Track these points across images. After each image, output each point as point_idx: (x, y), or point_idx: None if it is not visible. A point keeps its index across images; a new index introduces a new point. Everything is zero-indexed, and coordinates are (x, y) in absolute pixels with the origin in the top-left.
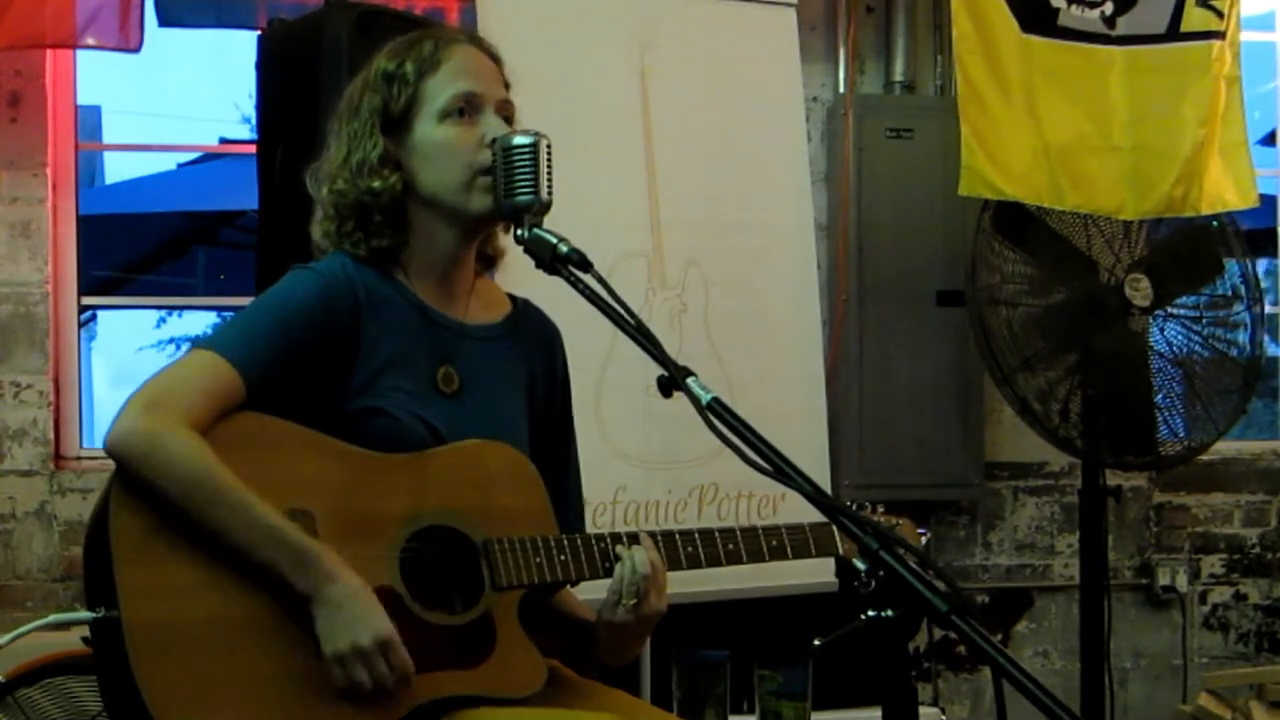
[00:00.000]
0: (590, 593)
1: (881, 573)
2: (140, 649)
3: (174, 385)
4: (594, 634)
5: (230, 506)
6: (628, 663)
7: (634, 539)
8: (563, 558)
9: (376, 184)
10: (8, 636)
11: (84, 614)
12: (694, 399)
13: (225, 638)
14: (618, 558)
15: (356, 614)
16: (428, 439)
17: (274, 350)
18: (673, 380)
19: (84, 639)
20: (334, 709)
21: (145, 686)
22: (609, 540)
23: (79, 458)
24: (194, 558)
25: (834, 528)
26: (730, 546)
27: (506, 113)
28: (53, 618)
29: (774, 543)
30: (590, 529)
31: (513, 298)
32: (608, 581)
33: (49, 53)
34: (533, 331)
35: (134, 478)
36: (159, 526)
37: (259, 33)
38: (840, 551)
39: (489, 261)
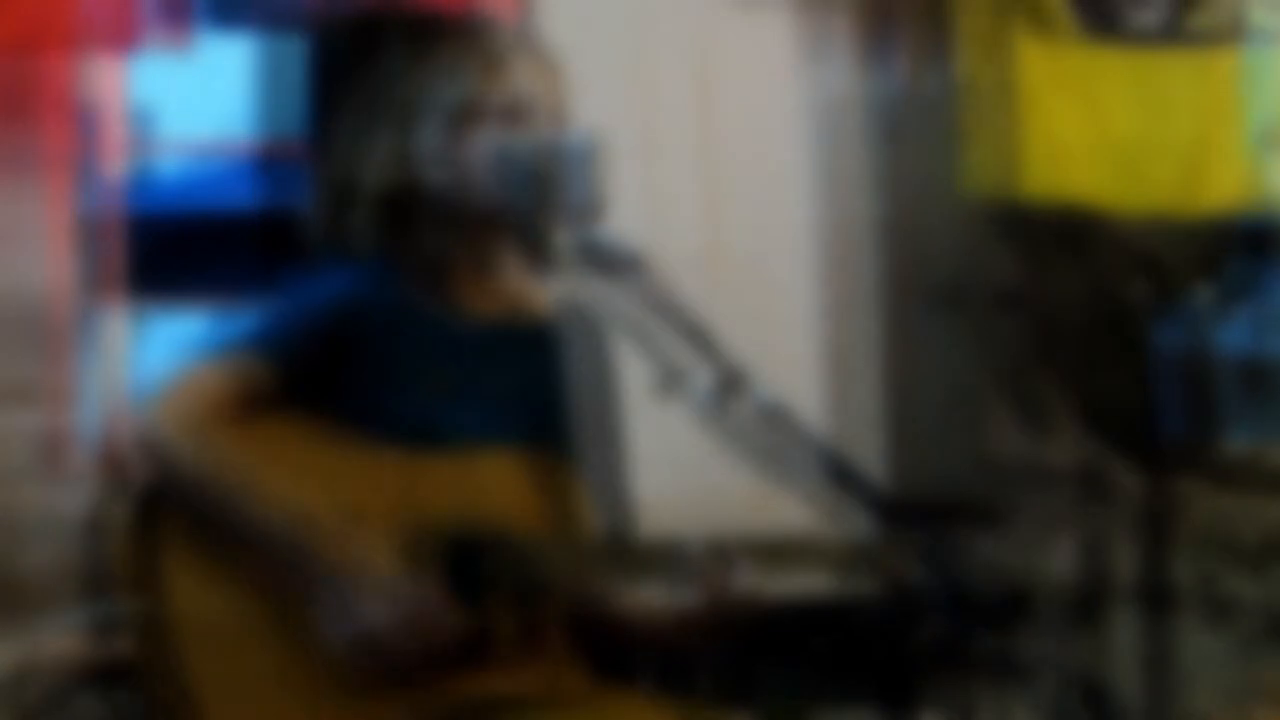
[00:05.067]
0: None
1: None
2: (185, 643)
3: (200, 383)
4: (639, 629)
5: (240, 500)
6: (683, 656)
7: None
8: (586, 560)
9: (407, 177)
10: (49, 631)
11: (125, 608)
12: (732, 402)
13: (267, 632)
14: (678, 560)
15: (385, 588)
16: (436, 446)
17: (292, 343)
18: (712, 382)
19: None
20: (370, 701)
21: (191, 681)
22: (630, 544)
23: (89, 460)
24: (235, 549)
25: (851, 540)
26: (748, 555)
27: (555, 120)
28: (91, 610)
29: (792, 552)
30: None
31: (537, 297)
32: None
33: (100, 53)
34: (555, 331)
35: (154, 476)
36: (199, 518)
37: (310, 34)
38: (857, 562)
39: (517, 263)
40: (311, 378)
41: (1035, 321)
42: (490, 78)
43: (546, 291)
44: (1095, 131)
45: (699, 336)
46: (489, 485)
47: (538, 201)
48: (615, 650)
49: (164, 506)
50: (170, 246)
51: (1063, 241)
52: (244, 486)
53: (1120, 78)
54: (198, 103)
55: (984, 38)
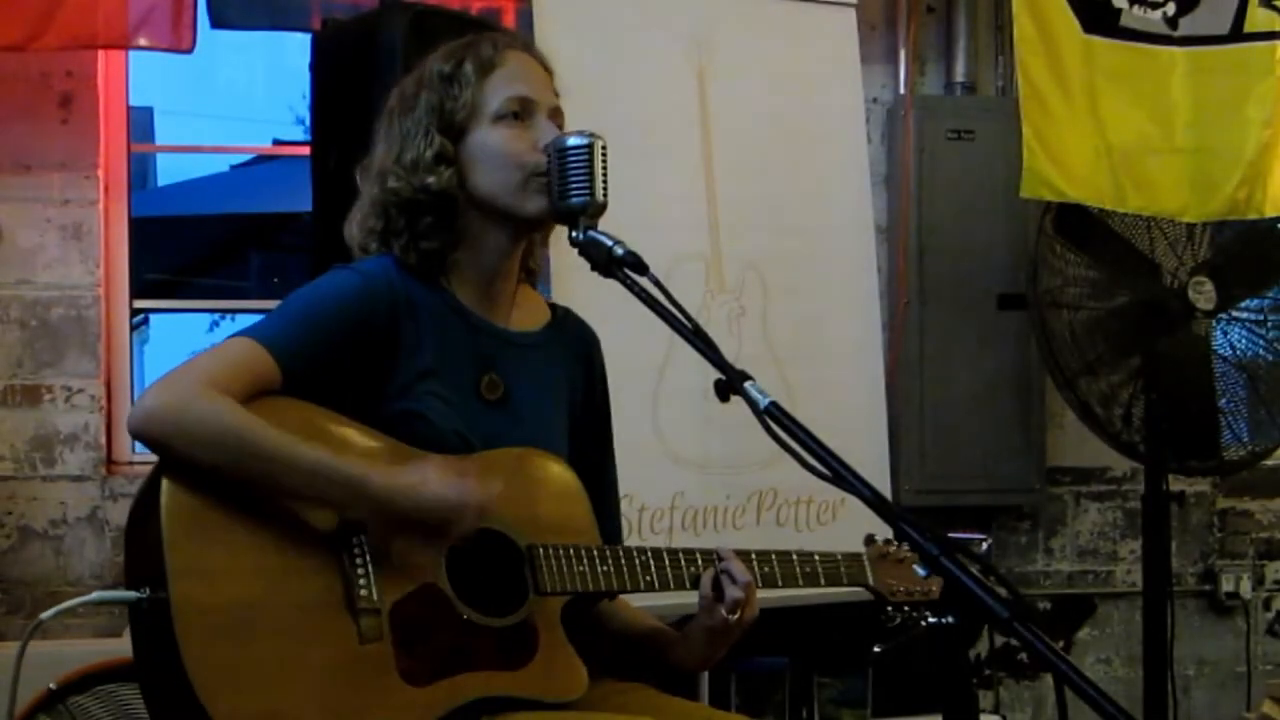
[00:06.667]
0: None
1: (906, 610)
2: (189, 629)
3: (201, 364)
4: (665, 640)
5: (269, 452)
6: (711, 667)
7: (680, 552)
8: (605, 568)
9: (431, 180)
10: (49, 613)
11: (130, 594)
12: (751, 403)
13: (275, 621)
14: (694, 571)
15: (432, 507)
16: (460, 449)
17: (308, 340)
18: (730, 384)
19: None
20: (382, 695)
21: (193, 667)
22: (650, 554)
23: (131, 463)
24: (244, 540)
25: (864, 559)
26: (765, 570)
27: (558, 121)
28: (96, 595)
29: (807, 569)
30: (648, 535)
31: (553, 306)
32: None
33: (101, 53)
34: (572, 339)
35: (167, 455)
36: (208, 507)
37: (313, 33)
38: (870, 583)
39: (530, 274)
40: (315, 383)
41: (1096, 324)
42: (489, 80)
43: (550, 292)
44: (1164, 136)
45: (700, 337)
46: (517, 485)
47: (540, 202)
48: (616, 652)
49: (167, 495)
50: (171, 247)
51: (1120, 244)
52: (283, 436)
53: (1186, 80)
54: (198, 103)
55: (1040, 40)
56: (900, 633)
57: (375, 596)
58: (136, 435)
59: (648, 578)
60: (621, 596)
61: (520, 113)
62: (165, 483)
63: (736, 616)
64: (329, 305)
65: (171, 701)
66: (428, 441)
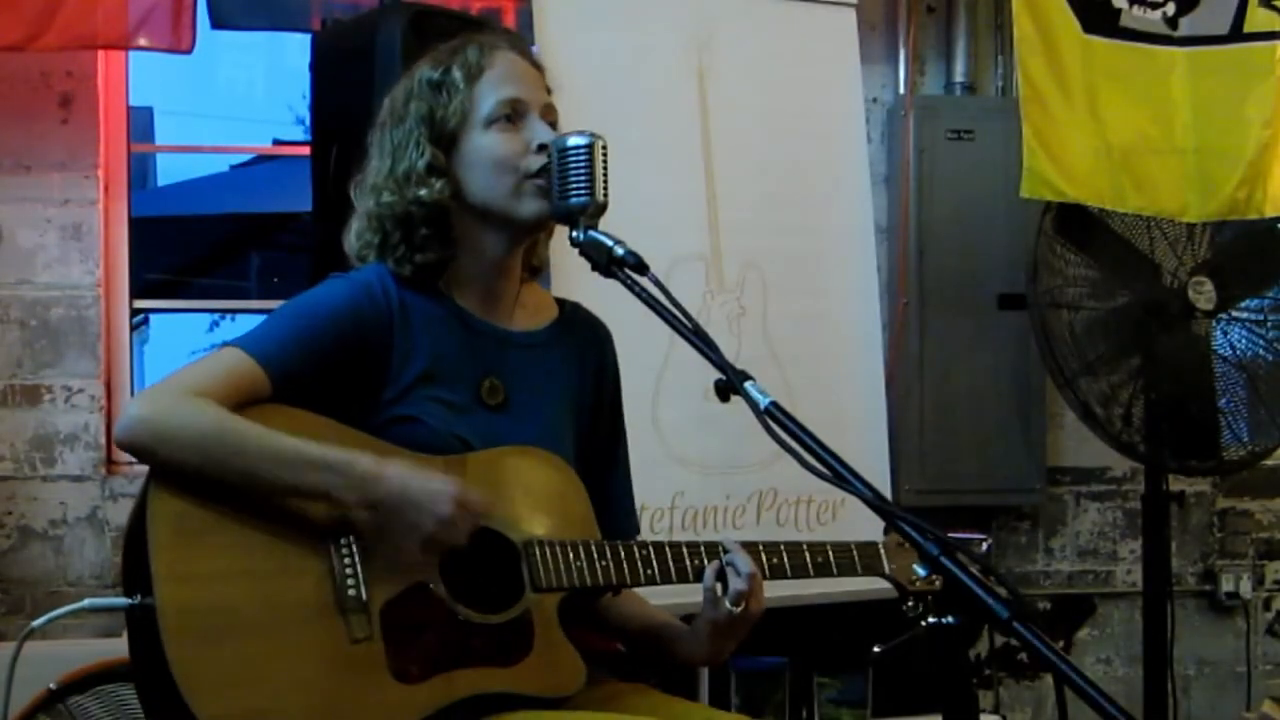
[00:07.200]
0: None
1: (938, 581)
2: (174, 632)
3: (187, 374)
4: (673, 634)
5: (253, 447)
6: (721, 662)
7: (688, 548)
8: (604, 563)
9: (424, 193)
10: (40, 621)
11: (120, 600)
12: (752, 403)
13: (262, 622)
14: (698, 564)
15: (420, 497)
16: (460, 453)
17: (298, 349)
18: (730, 384)
19: None
20: (371, 692)
21: (178, 670)
22: (651, 547)
23: (131, 463)
24: (232, 542)
25: (880, 547)
26: (775, 561)
27: (551, 118)
28: (87, 602)
29: (819, 560)
30: (647, 535)
31: (561, 302)
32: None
33: (101, 53)
34: (582, 335)
35: (154, 465)
36: (195, 513)
37: (313, 33)
38: (887, 571)
39: (533, 271)
40: (305, 392)
41: (1096, 324)
42: (478, 84)
43: (551, 293)
44: (1164, 136)
45: (701, 337)
46: (495, 485)
47: (536, 205)
48: (624, 646)
49: (154, 502)
50: (171, 247)
51: (1120, 244)
52: (265, 431)
53: (1186, 80)
54: (198, 103)
55: (1040, 40)
56: (905, 629)
57: (364, 595)
58: (122, 445)
59: (649, 571)
60: (635, 591)
61: (512, 115)
62: (153, 490)
63: (741, 609)
64: (319, 314)
65: (163, 704)
66: (425, 446)
